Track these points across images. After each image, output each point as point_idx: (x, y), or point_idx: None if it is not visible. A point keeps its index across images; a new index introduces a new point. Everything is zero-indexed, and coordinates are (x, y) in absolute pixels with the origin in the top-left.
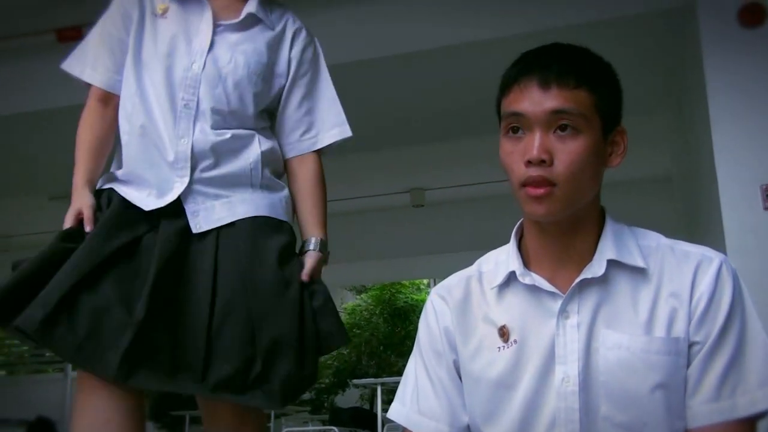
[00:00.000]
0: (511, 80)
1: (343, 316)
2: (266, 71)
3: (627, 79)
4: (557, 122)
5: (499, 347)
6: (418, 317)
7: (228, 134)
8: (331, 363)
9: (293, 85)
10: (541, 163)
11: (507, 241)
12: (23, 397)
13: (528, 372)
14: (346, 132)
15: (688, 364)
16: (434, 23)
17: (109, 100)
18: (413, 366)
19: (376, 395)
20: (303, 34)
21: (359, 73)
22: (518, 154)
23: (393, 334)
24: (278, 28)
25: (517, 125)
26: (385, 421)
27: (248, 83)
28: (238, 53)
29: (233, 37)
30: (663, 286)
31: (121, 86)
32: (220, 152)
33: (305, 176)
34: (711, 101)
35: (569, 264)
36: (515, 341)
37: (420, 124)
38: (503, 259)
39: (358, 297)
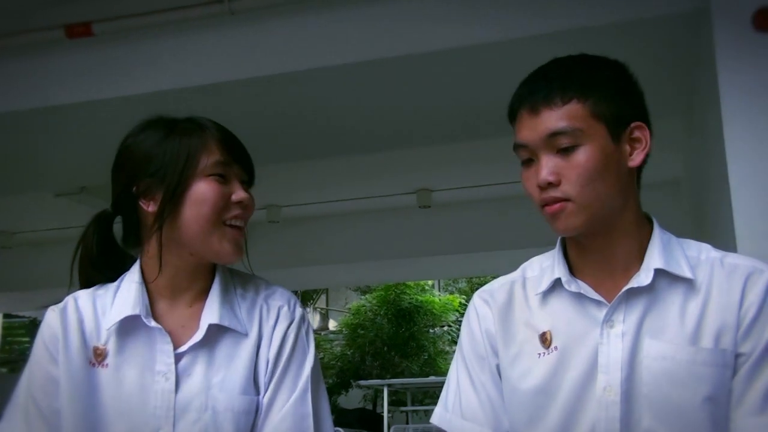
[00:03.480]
0: (512, 112)
1: (348, 317)
2: None
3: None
4: (556, 143)
5: (539, 353)
6: (423, 318)
7: None
8: (334, 363)
9: None
10: (549, 185)
11: (513, 244)
12: None
13: (569, 380)
14: None
15: (734, 376)
16: (442, 24)
17: None
18: (455, 370)
19: (381, 396)
20: None
21: (366, 74)
22: (533, 180)
23: (397, 335)
24: None
25: (526, 154)
26: (390, 422)
27: None
28: None
29: None
30: (711, 299)
31: None
32: None
33: None
34: (724, 105)
35: (614, 272)
36: (556, 348)
37: (428, 126)
38: (548, 265)
39: (362, 297)
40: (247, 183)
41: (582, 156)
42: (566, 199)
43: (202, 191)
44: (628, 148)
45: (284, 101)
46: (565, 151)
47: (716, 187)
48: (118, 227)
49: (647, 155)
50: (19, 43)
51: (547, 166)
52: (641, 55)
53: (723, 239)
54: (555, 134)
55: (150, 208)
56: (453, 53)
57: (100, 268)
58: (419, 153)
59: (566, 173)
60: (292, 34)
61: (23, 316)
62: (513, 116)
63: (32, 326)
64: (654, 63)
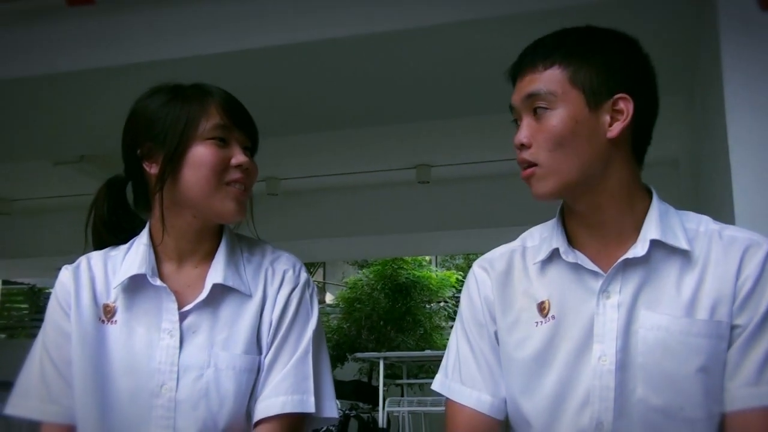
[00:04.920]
0: (510, 77)
1: (345, 290)
2: None
3: None
4: (532, 105)
5: (537, 322)
6: (419, 293)
7: None
8: (331, 336)
9: None
10: (523, 147)
11: (511, 220)
12: (23, 360)
13: (564, 348)
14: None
15: (729, 347)
16: None
17: None
18: (455, 337)
19: (376, 369)
20: None
21: (365, 47)
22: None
23: (393, 310)
24: None
25: (514, 116)
26: (386, 395)
27: None
28: None
29: None
30: (708, 271)
31: None
32: None
33: None
34: (726, 84)
35: (610, 243)
36: (553, 317)
37: (428, 100)
38: (547, 235)
39: (360, 271)
40: (250, 150)
41: (553, 119)
42: (535, 164)
43: (201, 154)
44: (608, 118)
45: (285, 74)
46: (540, 115)
47: (717, 166)
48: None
49: (641, 128)
50: (20, 9)
51: (523, 128)
52: (644, 33)
53: (722, 217)
54: (531, 96)
55: (152, 170)
56: (454, 27)
57: (113, 230)
58: (419, 128)
59: (537, 136)
60: (294, 5)
61: (22, 283)
62: (512, 81)
63: (31, 293)
64: (657, 41)
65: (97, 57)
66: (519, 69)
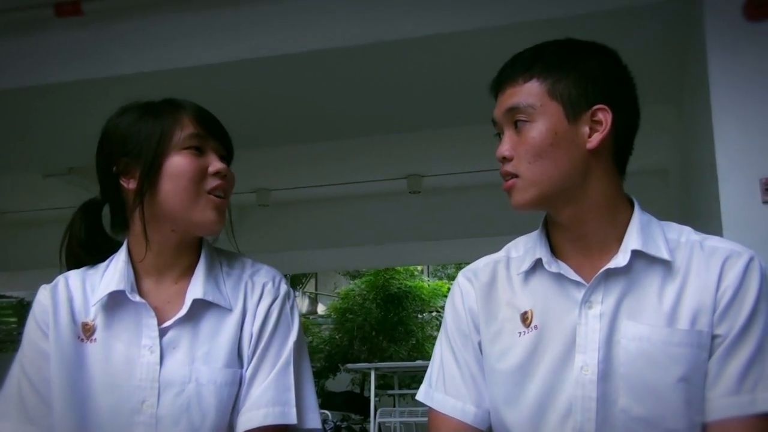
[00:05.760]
0: (491, 91)
1: (337, 301)
2: None
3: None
4: (513, 118)
5: (519, 332)
6: (411, 303)
7: None
8: (323, 347)
9: None
10: (504, 159)
11: (503, 230)
12: None
13: (547, 358)
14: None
15: (710, 357)
16: (434, 9)
17: None
18: (439, 347)
19: (368, 380)
20: None
21: (355, 58)
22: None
23: (386, 320)
24: None
25: (496, 130)
26: (377, 405)
27: None
28: None
29: None
30: (689, 281)
31: None
32: None
33: None
34: (713, 94)
35: (592, 254)
36: (536, 327)
37: (419, 110)
38: (531, 245)
39: (351, 282)
40: (226, 158)
41: (532, 132)
42: (516, 175)
43: (178, 164)
44: (587, 129)
45: (274, 85)
46: (521, 128)
47: (704, 175)
48: (106, 214)
49: (628, 139)
50: (8, 21)
51: (505, 141)
52: (632, 43)
53: (710, 226)
54: (511, 109)
55: (130, 185)
56: (444, 38)
57: (89, 251)
58: (410, 138)
59: (518, 149)
60: (282, 17)
61: (11, 297)
62: (494, 95)
63: (20, 307)
64: (645, 50)
65: (85, 68)
66: (499, 83)
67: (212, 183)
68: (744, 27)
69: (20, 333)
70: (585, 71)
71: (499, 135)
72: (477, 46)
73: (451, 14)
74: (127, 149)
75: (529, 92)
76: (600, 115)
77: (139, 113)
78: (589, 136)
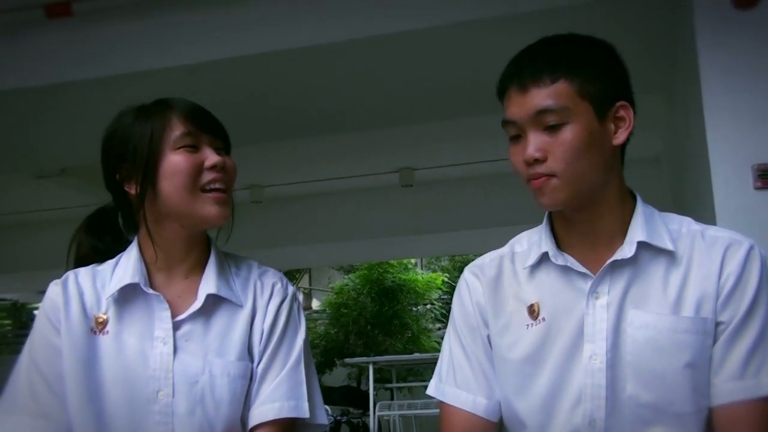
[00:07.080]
0: (501, 90)
1: (331, 296)
2: None
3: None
4: (543, 120)
5: (527, 324)
6: (406, 296)
7: None
8: (319, 342)
9: None
10: (536, 161)
11: (496, 222)
12: (7, 375)
13: (556, 349)
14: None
15: (714, 343)
16: (425, 2)
17: None
18: (448, 342)
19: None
20: None
21: (346, 54)
22: (520, 156)
23: (380, 314)
24: None
25: (514, 131)
26: (376, 399)
27: None
28: None
29: None
30: (692, 270)
31: None
32: None
33: None
34: (704, 82)
35: (599, 246)
36: (543, 319)
37: (410, 104)
38: (536, 239)
39: (346, 276)
40: (224, 150)
41: (568, 134)
42: (552, 175)
43: (173, 162)
44: (612, 126)
45: (266, 81)
46: (552, 129)
47: (696, 163)
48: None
49: (630, 133)
50: None
51: (534, 142)
52: (622, 33)
53: (703, 215)
54: (542, 111)
55: (133, 190)
56: (435, 32)
57: (103, 256)
58: (402, 132)
59: (552, 150)
60: (272, 13)
61: (5, 299)
62: (502, 94)
63: (14, 309)
64: (635, 40)
65: (76, 69)
66: (519, 82)
67: (209, 176)
68: (733, 15)
69: (15, 335)
70: (605, 68)
71: (518, 137)
72: (467, 39)
73: (442, 8)
74: (125, 155)
75: (558, 93)
76: (622, 112)
77: (132, 117)
78: (615, 133)
